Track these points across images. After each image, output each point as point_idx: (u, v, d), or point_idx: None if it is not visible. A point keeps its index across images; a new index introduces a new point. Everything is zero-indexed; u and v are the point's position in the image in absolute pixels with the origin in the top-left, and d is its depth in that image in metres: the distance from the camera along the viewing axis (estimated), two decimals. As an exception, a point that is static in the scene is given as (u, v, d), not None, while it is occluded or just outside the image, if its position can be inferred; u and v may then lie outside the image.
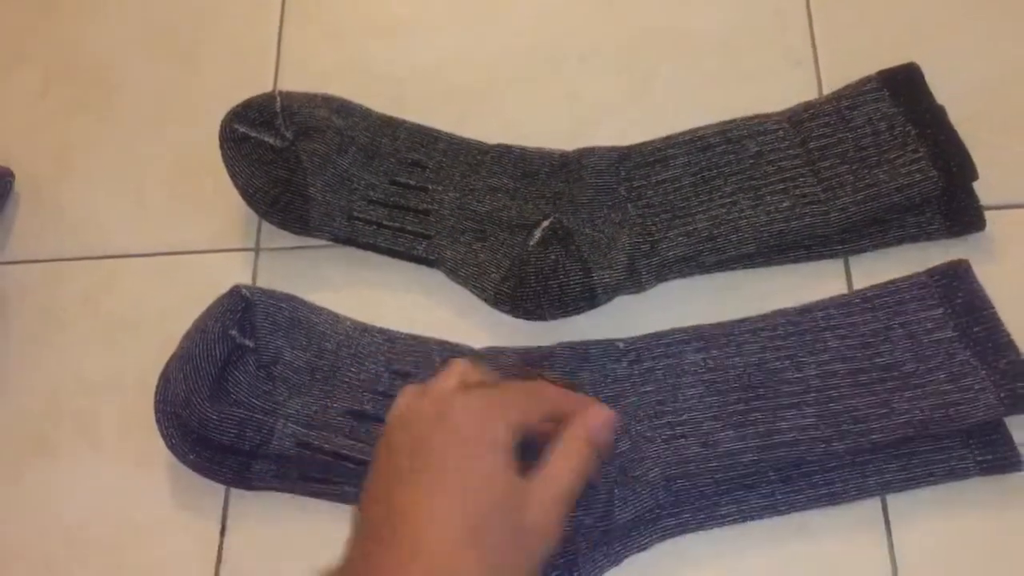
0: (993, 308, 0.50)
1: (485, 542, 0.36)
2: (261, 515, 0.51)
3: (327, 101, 0.57)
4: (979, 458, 0.48)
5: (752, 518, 0.48)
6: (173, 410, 0.49)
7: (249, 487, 0.50)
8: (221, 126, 0.55)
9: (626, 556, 0.48)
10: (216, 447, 0.50)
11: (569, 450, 0.39)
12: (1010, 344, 0.49)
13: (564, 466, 0.39)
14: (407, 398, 0.41)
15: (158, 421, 0.50)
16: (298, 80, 0.58)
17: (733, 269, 0.54)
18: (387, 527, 0.36)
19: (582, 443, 0.40)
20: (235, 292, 0.51)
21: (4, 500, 0.53)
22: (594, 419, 0.41)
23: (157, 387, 0.51)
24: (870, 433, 0.47)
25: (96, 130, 0.62)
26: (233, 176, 0.56)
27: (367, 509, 0.38)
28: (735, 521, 0.48)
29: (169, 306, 0.56)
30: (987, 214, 0.53)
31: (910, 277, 0.52)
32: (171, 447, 0.50)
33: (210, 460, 0.50)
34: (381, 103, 0.58)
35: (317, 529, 0.50)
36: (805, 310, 0.52)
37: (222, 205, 0.58)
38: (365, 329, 0.53)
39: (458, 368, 0.42)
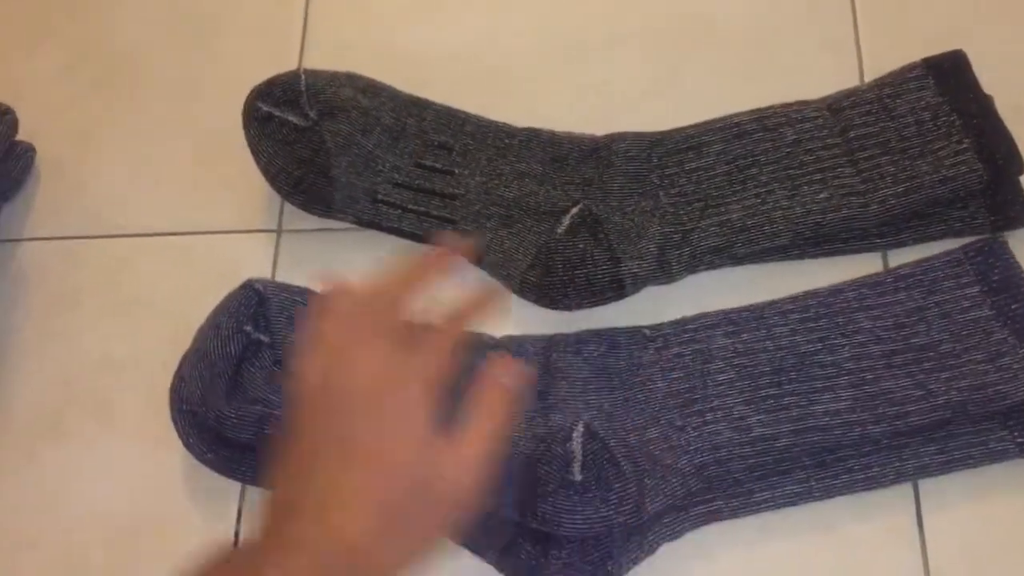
0: None
1: (396, 520, 0.34)
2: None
3: (352, 80, 0.55)
4: (1020, 439, 0.47)
5: (786, 504, 0.47)
6: (190, 409, 0.49)
7: None
8: (245, 105, 0.55)
9: (659, 544, 0.47)
10: (234, 445, 0.49)
11: (483, 411, 0.37)
12: None
13: (480, 428, 0.37)
14: (311, 359, 0.38)
15: (174, 420, 0.50)
16: (323, 62, 0.57)
17: (767, 261, 0.53)
18: (298, 504, 0.34)
19: (495, 402, 0.37)
20: (248, 287, 0.50)
21: (20, 483, 0.52)
22: (502, 371, 0.38)
23: (172, 385, 0.50)
24: (907, 416, 0.46)
25: (119, 109, 0.61)
26: (256, 156, 0.55)
27: (278, 481, 0.36)
28: (769, 508, 0.47)
29: (189, 287, 0.55)
30: (1033, 209, 0.52)
31: (944, 254, 0.51)
32: (188, 446, 0.49)
33: (229, 459, 0.49)
34: (406, 86, 0.57)
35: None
36: (836, 290, 0.50)
37: (244, 185, 0.57)
38: None
39: (343, 309, 0.39)
